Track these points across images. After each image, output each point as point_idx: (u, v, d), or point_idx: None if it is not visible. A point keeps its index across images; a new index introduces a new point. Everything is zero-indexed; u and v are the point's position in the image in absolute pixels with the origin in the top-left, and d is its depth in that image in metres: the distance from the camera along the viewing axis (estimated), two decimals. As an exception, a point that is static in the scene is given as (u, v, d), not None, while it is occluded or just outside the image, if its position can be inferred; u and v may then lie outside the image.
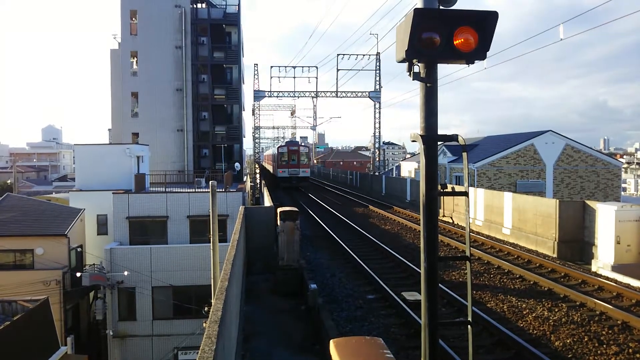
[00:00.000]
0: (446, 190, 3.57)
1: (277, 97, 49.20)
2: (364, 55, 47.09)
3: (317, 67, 47.72)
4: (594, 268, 14.13)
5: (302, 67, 46.98)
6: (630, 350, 8.14)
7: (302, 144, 46.78)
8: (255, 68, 52.47)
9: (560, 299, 11.00)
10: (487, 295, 11.42)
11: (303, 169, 40.37)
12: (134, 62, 39.30)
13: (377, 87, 48.55)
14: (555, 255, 15.59)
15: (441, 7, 3.53)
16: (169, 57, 38.26)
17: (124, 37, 38.39)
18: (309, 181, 44.28)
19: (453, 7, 3.55)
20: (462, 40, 3.38)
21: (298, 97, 48.62)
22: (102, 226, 27.09)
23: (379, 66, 48.72)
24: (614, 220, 13.80)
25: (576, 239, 15.76)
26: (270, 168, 50.78)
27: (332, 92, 47.60)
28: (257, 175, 45.94)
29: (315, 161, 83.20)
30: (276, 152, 42.50)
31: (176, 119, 38.57)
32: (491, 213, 20.13)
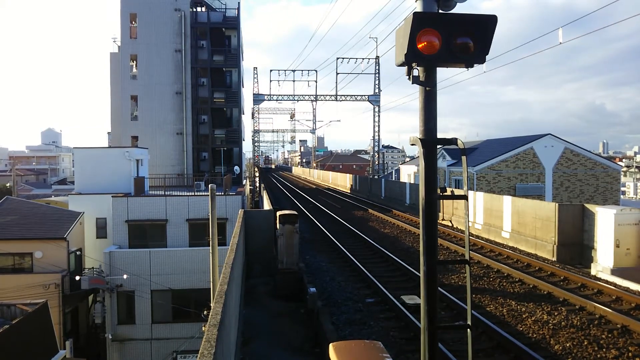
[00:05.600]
0: (445, 193, 3.57)
1: (277, 100, 49.39)
2: (363, 59, 47.33)
3: (316, 71, 47.99)
4: (593, 272, 14.13)
5: (302, 70, 47.22)
6: (630, 354, 8.13)
7: (269, 156, 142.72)
8: (255, 72, 52.68)
9: (560, 302, 10.99)
10: (486, 299, 11.42)
11: (270, 165, 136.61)
12: (134, 66, 39.29)
13: (377, 90, 48.67)
14: (554, 259, 15.58)
15: (440, 11, 3.54)
16: (169, 60, 38.27)
17: (123, 41, 38.40)
18: (272, 169, 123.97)
19: (452, 11, 3.57)
20: (462, 43, 3.38)
21: (297, 100, 48.87)
22: (101, 229, 27.06)
23: (378, 70, 48.86)
24: (613, 223, 13.80)
25: (575, 243, 15.75)
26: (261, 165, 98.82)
27: (332, 95, 47.73)
28: (257, 179, 46.11)
29: (315, 164, 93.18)
30: (262, 158, 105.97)
31: (176, 122, 38.55)
32: (490, 217, 20.13)
